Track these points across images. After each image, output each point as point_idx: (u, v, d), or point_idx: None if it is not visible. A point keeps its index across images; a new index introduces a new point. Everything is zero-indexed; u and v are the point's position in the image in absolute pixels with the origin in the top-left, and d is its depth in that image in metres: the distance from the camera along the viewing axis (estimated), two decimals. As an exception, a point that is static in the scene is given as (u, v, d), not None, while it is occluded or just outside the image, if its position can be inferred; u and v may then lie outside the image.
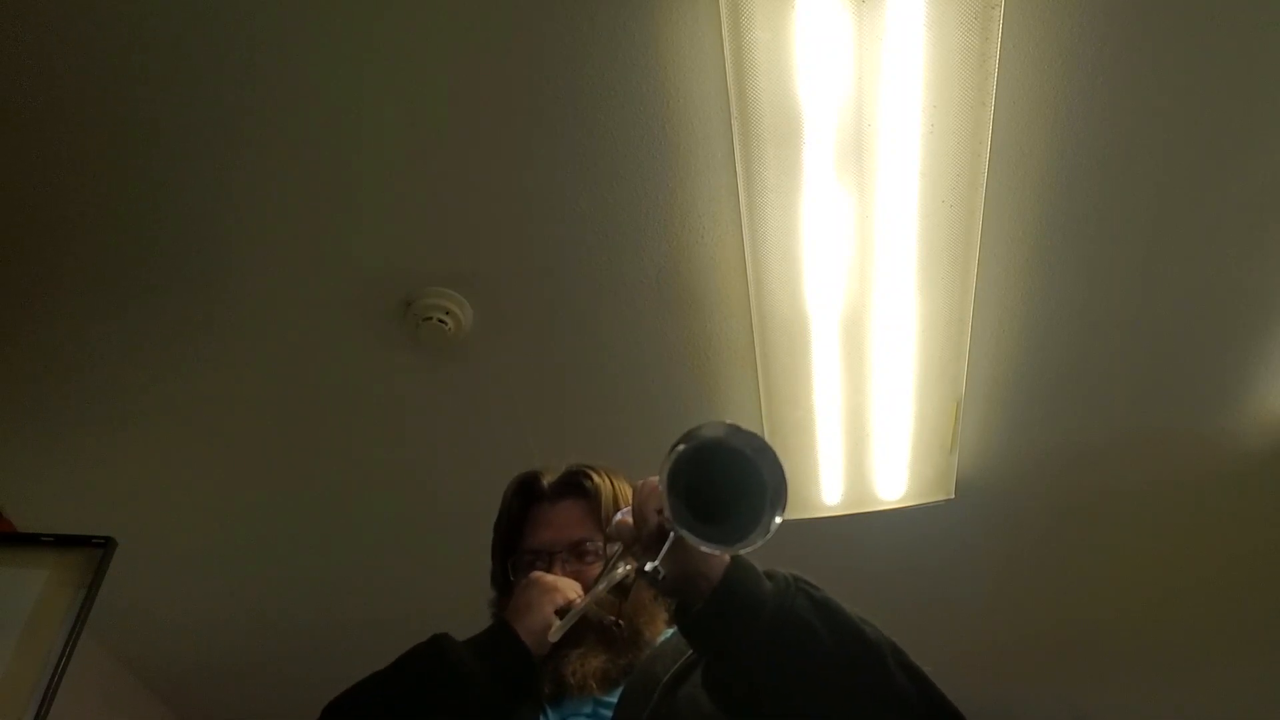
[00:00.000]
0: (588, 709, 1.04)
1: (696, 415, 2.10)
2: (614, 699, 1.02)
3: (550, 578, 1.09)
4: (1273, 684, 2.94)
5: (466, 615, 1.19)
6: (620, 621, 1.08)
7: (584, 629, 1.06)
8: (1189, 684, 2.99)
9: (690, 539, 0.81)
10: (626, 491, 1.19)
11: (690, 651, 0.98)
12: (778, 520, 0.84)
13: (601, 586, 1.04)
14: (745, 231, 1.74)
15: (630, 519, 0.94)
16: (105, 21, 1.48)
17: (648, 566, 0.85)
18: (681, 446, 0.84)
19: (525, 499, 1.23)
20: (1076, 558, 2.55)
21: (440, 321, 1.91)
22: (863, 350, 1.94)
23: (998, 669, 2.94)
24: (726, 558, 0.89)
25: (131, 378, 2.05)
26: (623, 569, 1.05)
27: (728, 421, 0.86)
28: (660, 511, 0.86)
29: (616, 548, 1.06)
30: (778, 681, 0.84)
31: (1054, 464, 2.26)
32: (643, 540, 0.90)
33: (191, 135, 1.64)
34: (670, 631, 1.10)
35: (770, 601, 0.87)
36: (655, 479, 0.88)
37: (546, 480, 1.23)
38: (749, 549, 0.84)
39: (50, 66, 1.53)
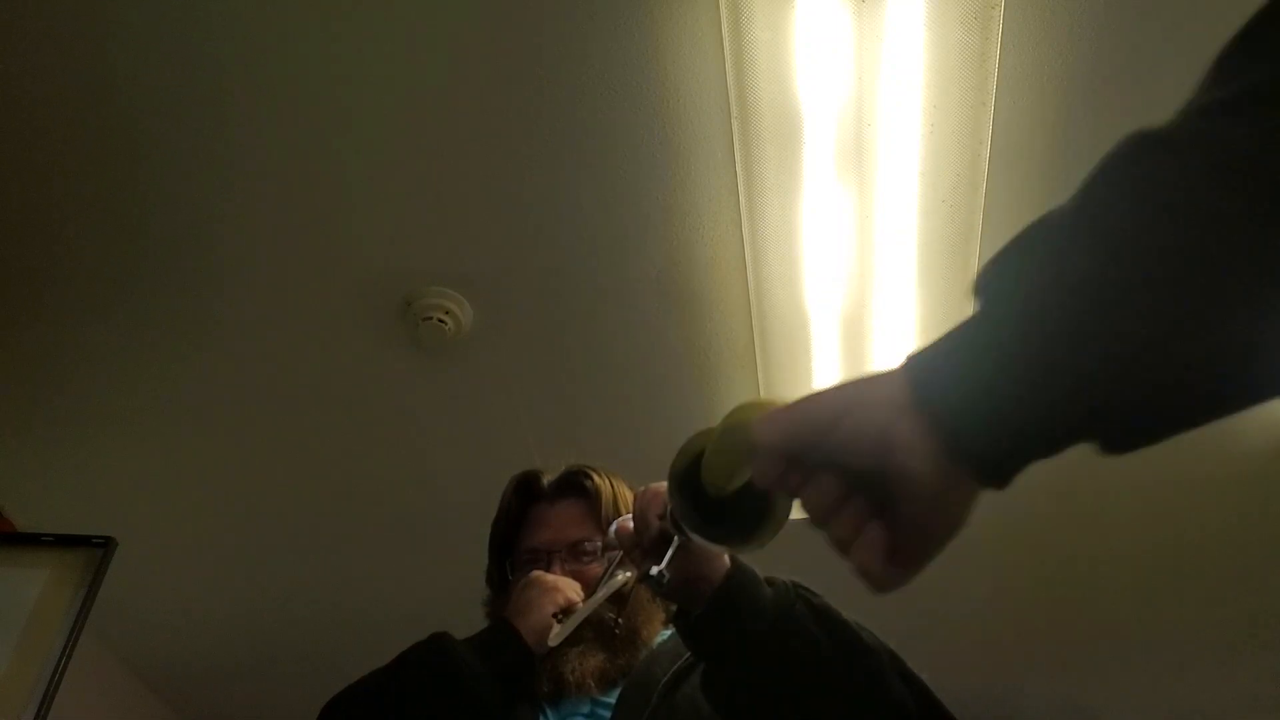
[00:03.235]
0: (585, 709, 1.04)
1: (697, 415, 2.12)
2: (612, 699, 1.02)
3: (550, 577, 1.09)
4: (1272, 679, 2.94)
5: (466, 614, 1.19)
6: (619, 620, 1.08)
7: (582, 627, 1.06)
8: (1189, 678, 2.99)
9: (698, 540, 0.82)
10: (626, 494, 1.19)
11: (688, 653, 0.98)
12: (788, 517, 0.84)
13: (601, 593, 1.04)
14: (745, 231, 1.74)
15: (630, 525, 0.94)
16: (102, 22, 1.48)
17: (654, 570, 0.85)
18: (690, 450, 0.84)
19: (524, 498, 1.23)
20: (1078, 555, 2.55)
21: (440, 321, 1.91)
22: (863, 350, 1.93)
23: (1000, 664, 2.94)
24: (727, 561, 0.89)
25: (131, 377, 2.05)
26: (621, 576, 1.05)
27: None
28: (663, 516, 0.86)
29: (615, 554, 1.06)
30: (775, 686, 0.85)
31: (1054, 463, 2.25)
32: (643, 546, 0.90)
33: (190, 135, 1.64)
34: (668, 633, 1.10)
35: (770, 607, 0.87)
36: (657, 485, 0.88)
37: (546, 480, 1.23)
38: (757, 548, 0.84)
39: (46, 66, 1.54)
